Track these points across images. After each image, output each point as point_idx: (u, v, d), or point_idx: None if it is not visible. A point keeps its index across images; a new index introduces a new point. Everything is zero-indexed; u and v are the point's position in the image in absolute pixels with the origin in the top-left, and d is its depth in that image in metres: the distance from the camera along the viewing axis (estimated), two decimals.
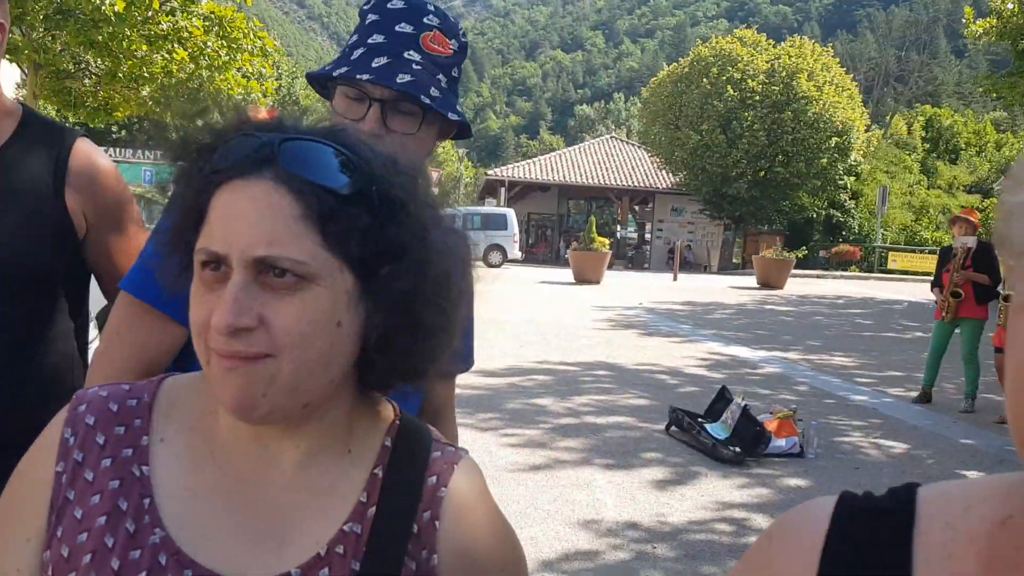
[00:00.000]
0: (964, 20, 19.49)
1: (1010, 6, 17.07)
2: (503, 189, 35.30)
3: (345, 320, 0.74)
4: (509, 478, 4.91)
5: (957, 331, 7.55)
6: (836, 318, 15.18)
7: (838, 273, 29.23)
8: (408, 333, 0.77)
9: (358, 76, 1.28)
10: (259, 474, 0.80)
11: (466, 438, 5.65)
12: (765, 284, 21.31)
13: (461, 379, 6.73)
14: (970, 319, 7.45)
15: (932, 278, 8.08)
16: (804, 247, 25.99)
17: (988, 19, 18.13)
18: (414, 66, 1.30)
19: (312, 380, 0.74)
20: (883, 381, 8.91)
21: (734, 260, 34.71)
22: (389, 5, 1.34)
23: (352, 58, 1.31)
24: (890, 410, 7.43)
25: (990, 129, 60.58)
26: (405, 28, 1.32)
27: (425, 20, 1.34)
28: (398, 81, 1.27)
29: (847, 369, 9.62)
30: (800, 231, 33.99)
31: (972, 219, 7.57)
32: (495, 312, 13.31)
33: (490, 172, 40.46)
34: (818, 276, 27.36)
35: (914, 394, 7.90)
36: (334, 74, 1.31)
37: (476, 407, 6.52)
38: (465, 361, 1.53)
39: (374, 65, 1.29)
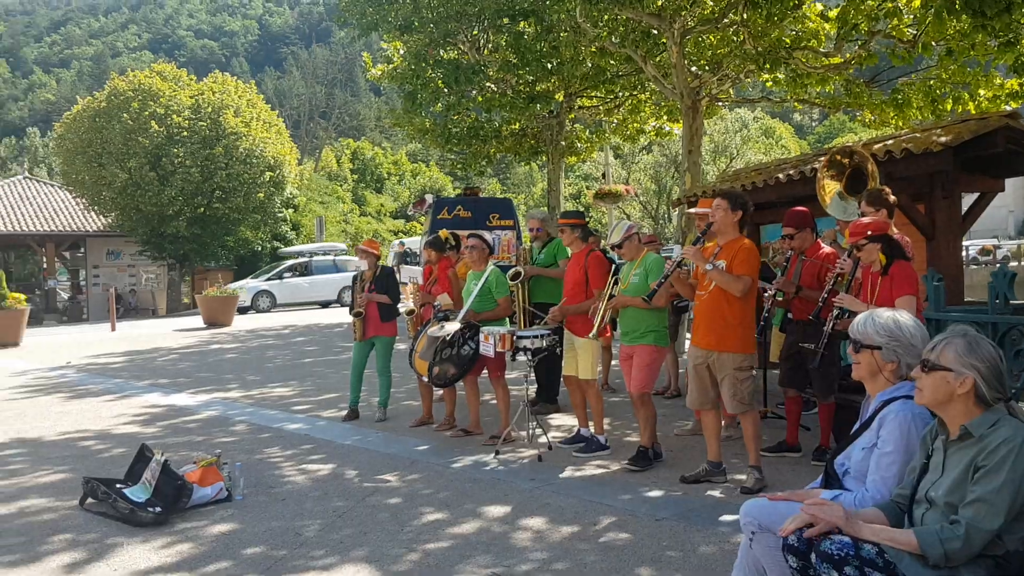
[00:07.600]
0: (364, 64, 21.57)
1: (401, 51, 19.35)
2: None
3: None
4: None
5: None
6: (283, 349, 15.55)
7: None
8: None
9: None
10: None
11: None
12: (212, 323, 20.97)
13: None
14: (381, 336, 8.19)
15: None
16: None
17: (382, 65, 20.35)
18: None
19: None
20: (319, 405, 9.33)
21: (184, 300, 33.63)
22: None
23: None
24: (322, 433, 7.80)
25: (405, 160, 68.32)
26: None
27: None
28: None
29: (286, 399, 9.87)
30: (248, 265, 34.29)
31: (371, 249, 8.32)
32: None
33: None
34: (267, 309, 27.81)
35: (344, 413, 8.41)
36: None
37: None
38: None
39: None
